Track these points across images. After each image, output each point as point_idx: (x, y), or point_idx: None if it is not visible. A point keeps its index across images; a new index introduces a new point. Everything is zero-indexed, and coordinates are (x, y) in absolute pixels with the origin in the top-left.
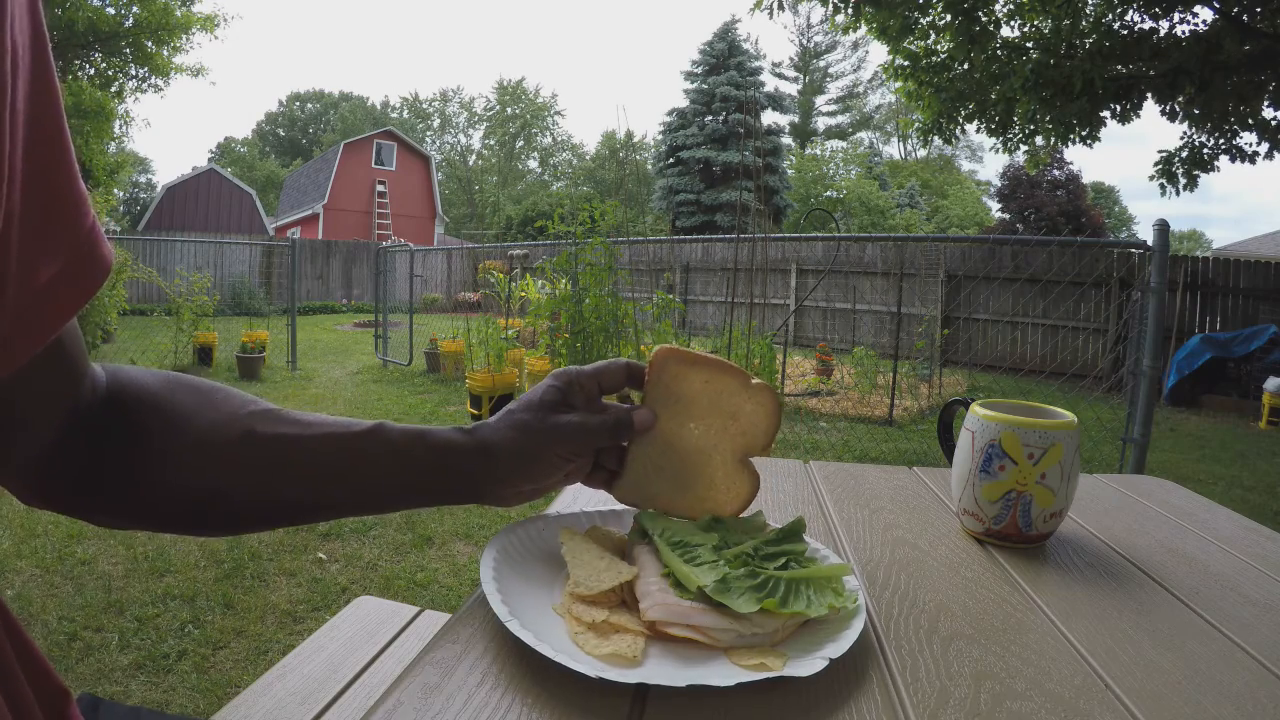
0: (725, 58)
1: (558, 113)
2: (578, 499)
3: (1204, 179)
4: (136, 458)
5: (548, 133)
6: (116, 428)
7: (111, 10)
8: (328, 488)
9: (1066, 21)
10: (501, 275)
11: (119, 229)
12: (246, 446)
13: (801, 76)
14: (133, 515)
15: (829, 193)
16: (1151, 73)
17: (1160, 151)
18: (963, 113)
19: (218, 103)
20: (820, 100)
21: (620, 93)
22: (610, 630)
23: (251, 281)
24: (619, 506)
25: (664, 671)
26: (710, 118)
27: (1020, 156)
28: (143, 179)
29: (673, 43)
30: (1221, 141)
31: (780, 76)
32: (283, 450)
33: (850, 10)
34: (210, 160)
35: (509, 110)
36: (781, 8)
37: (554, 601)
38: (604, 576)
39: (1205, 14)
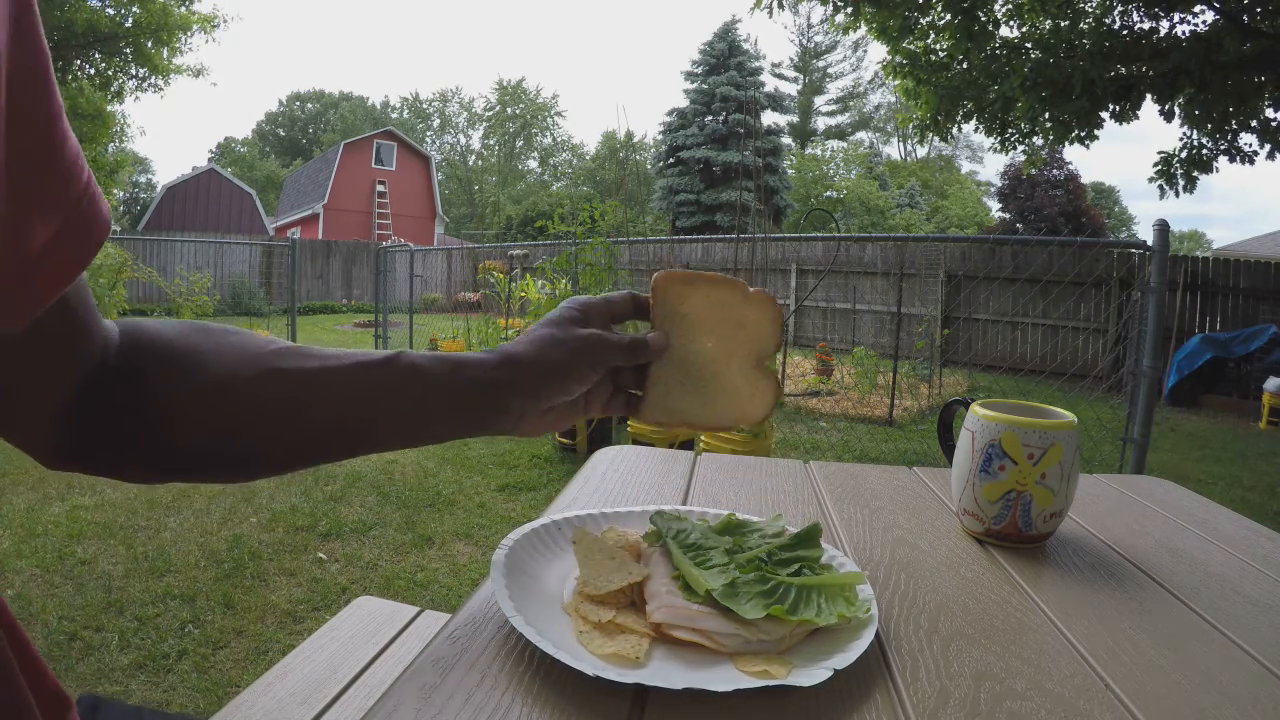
0: (725, 58)
1: (558, 113)
2: (578, 499)
3: (1206, 178)
4: (150, 404)
5: (548, 133)
6: (130, 379)
7: (111, 11)
8: (354, 414)
9: (1065, 22)
10: (501, 275)
11: (119, 229)
12: (269, 382)
13: (801, 77)
14: (158, 465)
15: (829, 193)
16: (1151, 73)
17: (1159, 153)
18: (961, 111)
19: (218, 103)
20: (820, 100)
21: (620, 93)
22: (616, 631)
23: (251, 281)
24: (635, 508)
25: (664, 674)
26: (710, 118)
27: (1019, 156)
28: (143, 179)
29: (673, 43)
30: (1221, 143)
31: (780, 77)
32: (306, 382)
33: (850, 10)
34: (210, 160)
35: (509, 110)
36: (781, 7)
37: (563, 601)
38: (613, 577)
39: (1205, 14)
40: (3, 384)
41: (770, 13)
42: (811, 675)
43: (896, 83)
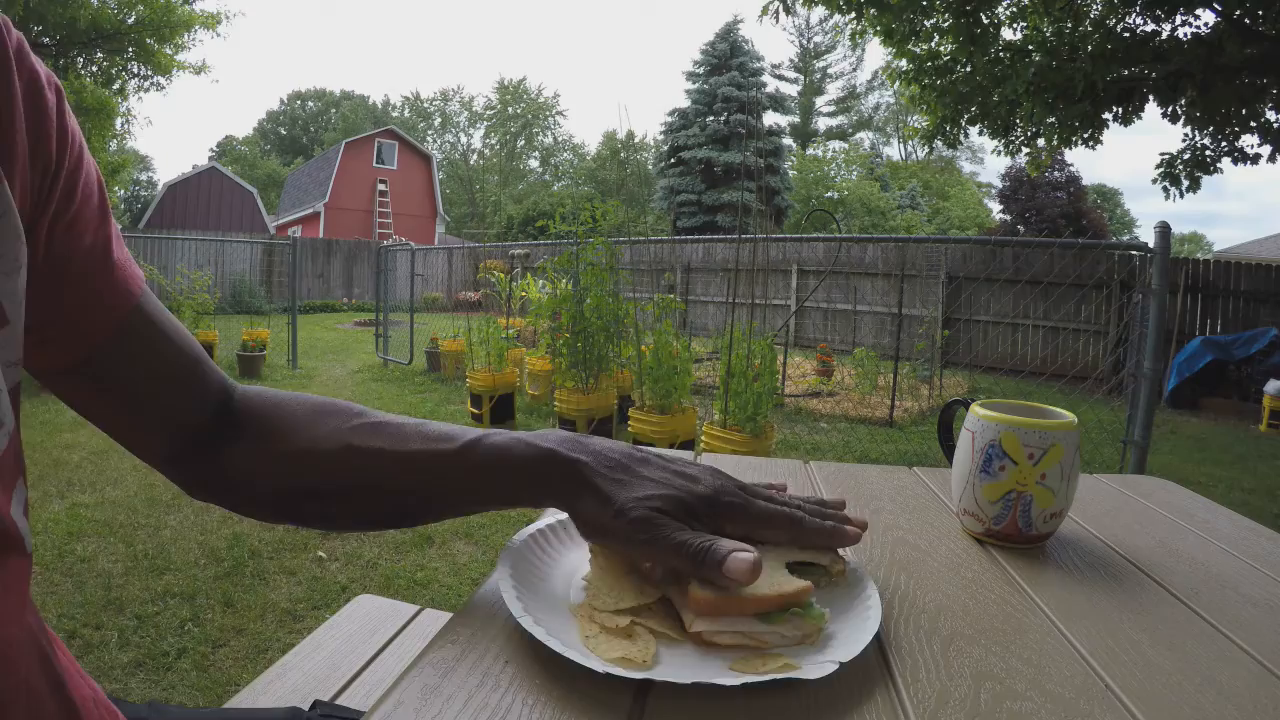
0: (727, 58)
1: (559, 112)
2: None
3: (1218, 176)
4: (247, 458)
5: (549, 132)
6: (237, 434)
7: (114, 8)
8: (410, 497)
9: (1068, 24)
10: (502, 275)
11: (119, 227)
12: (344, 456)
13: (801, 77)
14: (266, 510)
15: (830, 193)
16: (1153, 75)
17: (1161, 154)
18: (965, 116)
19: (219, 101)
20: (820, 101)
21: (622, 92)
22: (623, 636)
23: (252, 280)
24: None
25: (672, 671)
26: (712, 118)
27: (1022, 159)
28: (144, 177)
29: (674, 43)
30: (1224, 144)
31: (780, 78)
32: (374, 462)
33: (853, 15)
34: (211, 158)
35: (510, 109)
36: (788, 11)
37: (569, 600)
38: (625, 595)
39: (1207, 16)
40: (128, 418)
41: (776, 18)
42: (818, 669)
43: (901, 88)
